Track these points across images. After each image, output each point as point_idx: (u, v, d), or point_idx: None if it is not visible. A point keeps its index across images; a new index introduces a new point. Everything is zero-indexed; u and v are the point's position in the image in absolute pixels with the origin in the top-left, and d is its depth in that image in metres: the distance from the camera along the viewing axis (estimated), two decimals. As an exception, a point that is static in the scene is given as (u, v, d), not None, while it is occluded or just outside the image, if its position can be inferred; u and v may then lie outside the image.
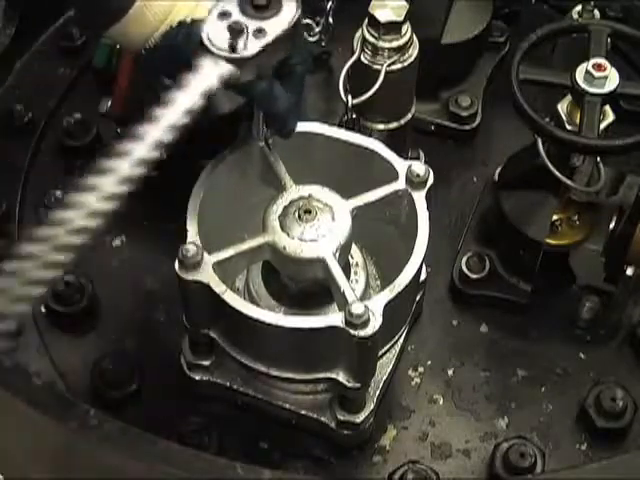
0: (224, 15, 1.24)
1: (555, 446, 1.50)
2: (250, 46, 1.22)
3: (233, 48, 1.22)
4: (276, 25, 1.24)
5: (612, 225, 1.51)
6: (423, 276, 1.48)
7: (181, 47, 1.24)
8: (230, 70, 1.22)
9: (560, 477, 1.34)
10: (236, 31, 1.22)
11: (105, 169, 1.15)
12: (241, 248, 1.32)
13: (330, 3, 1.80)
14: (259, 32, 1.23)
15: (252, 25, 1.23)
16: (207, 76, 1.21)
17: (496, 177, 1.67)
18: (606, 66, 1.43)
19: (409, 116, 1.62)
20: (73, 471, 1.16)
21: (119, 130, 1.68)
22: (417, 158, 1.67)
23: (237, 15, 1.24)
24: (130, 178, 1.17)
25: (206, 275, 1.28)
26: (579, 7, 1.67)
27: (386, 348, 1.42)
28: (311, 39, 1.84)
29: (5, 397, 1.19)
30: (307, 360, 1.36)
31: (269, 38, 1.23)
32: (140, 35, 1.26)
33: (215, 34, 1.23)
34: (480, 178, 1.75)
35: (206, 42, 1.22)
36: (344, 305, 1.27)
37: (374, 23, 1.51)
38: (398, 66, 1.53)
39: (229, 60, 1.22)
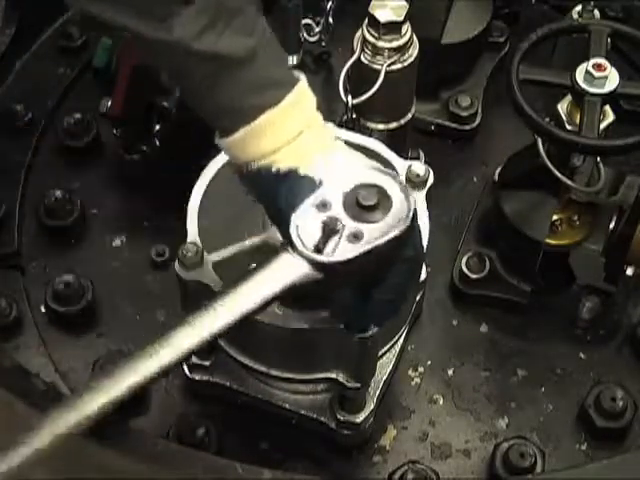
0: (323, 206, 1.10)
1: (555, 446, 1.50)
2: (339, 252, 1.08)
3: (319, 249, 1.08)
4: (377, 233, 1.09)
5: (612, 225, 1.51)
6: (423, 276, 1.48)
7: (278, 197, 1.13)
8: (309, 273, 1.09)
9: (560, 477, 1.34)
10: (329, 230, 1.08)
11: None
12: (241, 248, 1.32)
13: (330, 3, 1.80)
14: (355, 237, 1.08)
15: (350, 227, 1.09)
16: (281, 273, 1.10)
17: (496, 177, 1.67)
18: (606, 66, 1.43)
19: (409, 116, 1.62)
20: (73, 471, 1.16)
21: (116, 131, 1.69)
22: (417, 158, 1.67)
23: (338, 209, 1.10)
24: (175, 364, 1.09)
25: (206, 275, 1.28)
26: (579, 7, 1.67)
27: (386, 348, 1.42)
28: (311, 39, 1.84)
29: (5, 397, 1.19)
30: (307, 360, 1.36)
31: (364, 248, 1.08)
32: (251, 153, 1.16)
33: (305, 226, 1.09)
34: (480, 178, 1.76)
35: (292, 232, 1.09)
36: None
37: (374, 23, 1.51)
38: (398, 66, 1.53)
39: (310, 261, 1.09)
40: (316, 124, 1.20)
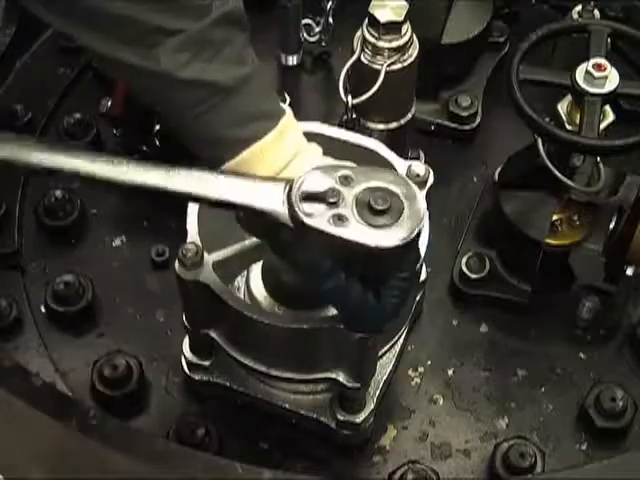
0: (345, 179, 1.11)
1: (555, 446, 1.50)
2: (314, 219, 1.09)
3: (306, 197, 1.10)
4: (361, 234, 1.09)
5: (612, 225, 1.51)
6: (423, 276, 1.48)
7: (280, 242, 1.15)
8: (280, 213, 1.11)
9: (560, 477, 1.34)
10: (326, 195, 1.10)
11: None
12: (241, 248, 1.32)
13: (330, 3, 1.80)
14: (339, 220, 1.09)
15: (344, 211, 1.09)
16: (258, 193, 1.12)
17: (496, 177, 1.67)
18: (606, 66, 1.43)
19: (409, 116, 1.62)
20: (73, 471, 1.16)
21: (116, 131, 1.69)
22: (417, 158, 1.67)
23: (349, 192, 1.10)
24: None
25: (206, 275, 1.28)
26: (579, 7, 1.67)
27: (386, 348, 1.42)
28: (311, 39, 1.84)
29: (5, 397, 1.19)
30: (307, 360, 1.36)
31: (334, 232, 1.09)
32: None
33: (314, 176, 1.11)
34: (480, 178, 1.75)
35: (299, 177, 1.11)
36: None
37: (374, 23, 1.51)
38: (398, 66, 1.53)
39: (289, 204, 1.10)
40: (305, 150, 1.21)
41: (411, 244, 1.11)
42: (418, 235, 1.11)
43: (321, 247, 1.12)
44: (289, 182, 1.12)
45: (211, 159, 1.17)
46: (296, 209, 1.10)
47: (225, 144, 1.16)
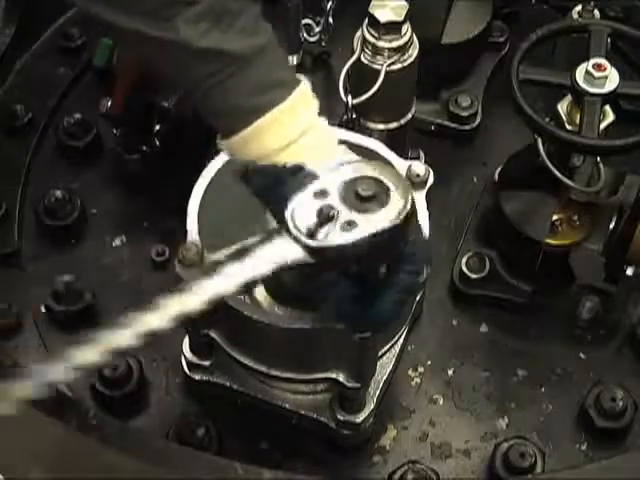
0: (321, 194, 1.11)
1: (555, 446, 1.50)
2: (331, 237, 1.09)
3: (312, 234, 1.10)
4: (371, 223, 1.10)
5: (612, 225, 1.51)
6: (423, 276, 1.48)
7: (280, 195, 1.14)
8: (302, 257, 1.11)
9: (560, 477, 1.34)
10: (324, 216, 1.10)
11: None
12: (241, 248, 1.32)
13: (330, 3, 1.80)
14: (348, 225, 1.10)
15: (345, 215, 1.10)
16: (275, 255, 1.11)
17: (496, 177, 1.67)
18: (606, 66, 1.43)
19: (409, 116, 1.62)
20: (73, 471, 1.16)
21: (116, 131, 1.69)
22: (417, 158, 1.67)
23: (334, 198, 1.11)
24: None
25: (206, 275, 1.28)
26: (579, 7, 1.67)
27: (386, 348, 1.42)
28: (311, 39, 1.84)
29: (5, 397, 1.19)
30: (307, 360, 1.36)
31: (356, 236, 1.10)
32: (254, 153, 1.18)
33: (301, 211, 1.11)
34: (480, 178, 1.75)
35: (287, 218, 1.11)
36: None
37: (374, 23, 1.51)
38: (398, 66, 1.53)
39: (304, 246, 1.10)
40: (319, 124, 1.21)
41: (413, 216, 1.13)
42: (413, 207, 1.12)
43: (349, 257, 1.12)
44: (284, 234, 1.12)
45: (224, 129, 1.19)
46: (312, 245, 1.10)
47: (240, 113, 1.16)
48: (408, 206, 1.11)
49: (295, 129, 1.17)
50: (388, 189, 1.12)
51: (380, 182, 1.12)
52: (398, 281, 1.17)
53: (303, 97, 1.19)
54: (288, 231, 1.11)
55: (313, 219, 1.11)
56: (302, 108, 1.18)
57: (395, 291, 1.17)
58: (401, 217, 1.11)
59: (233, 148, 1.20)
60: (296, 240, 1.11)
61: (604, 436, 1.50)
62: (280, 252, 1.12)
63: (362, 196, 1.11)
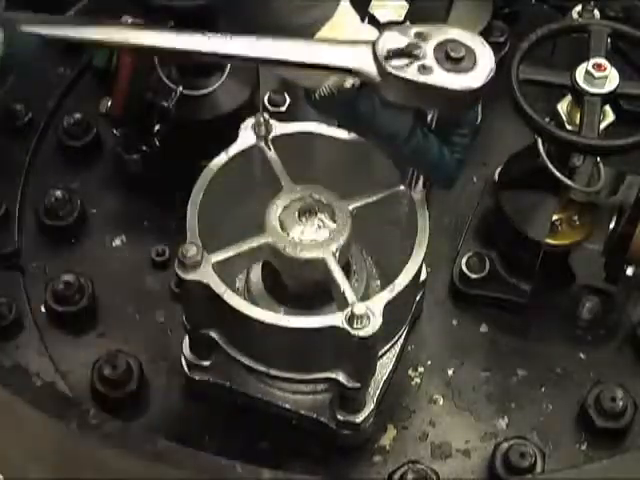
0: (418, 36, 1.19)
1: (555, 446, 1.50)
2: (399, 69, 1.17)
3: (390, 57, 1.17)
4: (446, 79, 1.17)
5: (612, 225, 1.51)
6: (423, 276, 1.48)
7: (360, 115, 1.21)
8: (367, 71, 1.17)
9: (560, 477, 1.34)
10: (407, 49, 1.17)
11: None
12: (241, 248, 1.32)
13: (330, 3, 1.79)
14: (423, 69, 1.17)
15: (427, 60, 1.17)
16: (350, 57, 1.18)
17: (496, 177, 1.67)
18: (606, 66, 1.43)
19: (409, 116, 1.62)
20: (73, 471, 1.16)
21: (116, 131, 1.69)
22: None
23: (426, 47, 1.18)
24: None
25: (206, 275, 1.28)
26: (579, 7, 1.67)
27: (386, 348, 1.42)
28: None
29: (5, 397, 1.19)
30: (307, 360, 1.36)
31: (422, 79, 1.16)
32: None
33: (390, 37, 1.18)
34: (480, 178, 1.75)
35: (377, 38, 1.18)
36: (344, 305, 1.27)
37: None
38: (398, 66, 1.53)
39: (378, 65, 1.17)
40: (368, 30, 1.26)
41: (483, 88, 1.19)
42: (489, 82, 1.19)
43: (407, 99, 1.19)
44: (370, 43, 1.18)
45: None
46: (385, 64, 1.16)
47: (299, 31, 1.21)
48: (489, 78, 1.18)
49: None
50: (475, 58, 1.19)
51: (469, 48, 1.19)
52: (457, 140, 1.29)
53: (348, 8, 1.24)
54: (369, 43, 1.17)
55: (397, 45, 1.17)
56: (350, 17, 1.24)
57: (455, 149, 1.30)
58: (477, 83, 1.18)
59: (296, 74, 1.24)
60: (375, 57, 1.17)
61: (604, 436, 1.50)
62: (356, 56, 1.17)
63: (453, 57, 1.17)
